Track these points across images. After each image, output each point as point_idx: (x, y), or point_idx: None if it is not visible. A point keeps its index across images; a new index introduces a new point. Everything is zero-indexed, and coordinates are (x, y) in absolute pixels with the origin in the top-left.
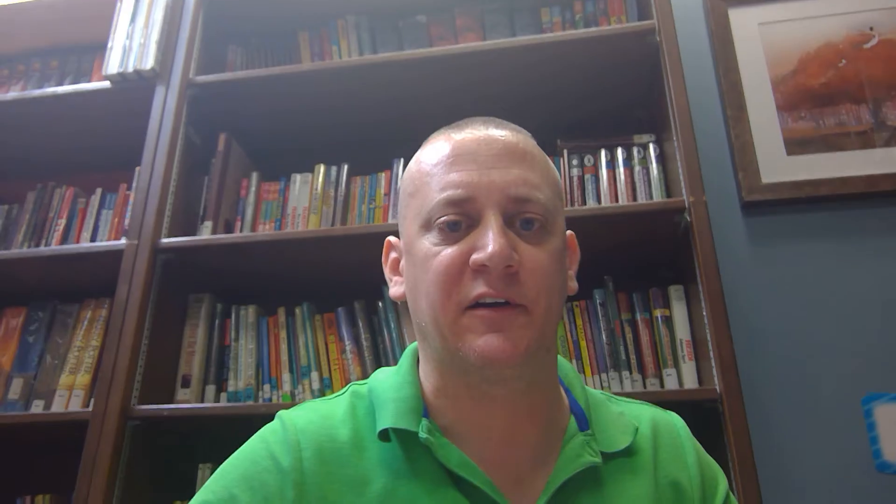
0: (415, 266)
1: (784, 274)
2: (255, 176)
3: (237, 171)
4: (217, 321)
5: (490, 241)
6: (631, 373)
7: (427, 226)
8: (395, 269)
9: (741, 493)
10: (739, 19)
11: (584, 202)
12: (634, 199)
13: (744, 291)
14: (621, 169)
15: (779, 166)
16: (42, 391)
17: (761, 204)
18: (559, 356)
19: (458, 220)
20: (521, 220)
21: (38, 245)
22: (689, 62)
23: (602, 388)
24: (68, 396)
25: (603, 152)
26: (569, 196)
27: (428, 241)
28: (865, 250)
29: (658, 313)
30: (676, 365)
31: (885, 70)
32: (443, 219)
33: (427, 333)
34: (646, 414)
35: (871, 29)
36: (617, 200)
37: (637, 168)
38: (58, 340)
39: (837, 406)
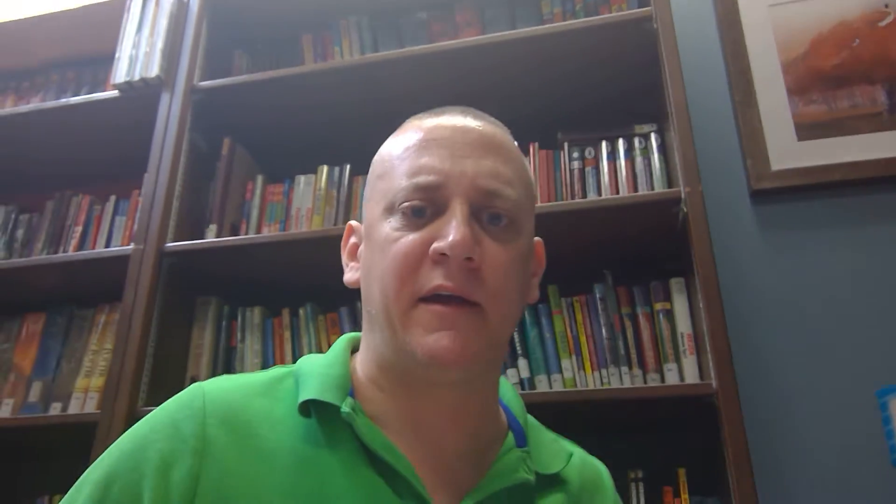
0: (373, 251)
1: (795, 264)
2: (259, 178)
3: (242, 173)
4: (224, 323)
5: (452, 230)
6: (631, 368)
7: (390, 209)
8: (353, 255)
9: (736, 490)
10: (749, 2)
11: (584, 195)
12: (636, 190)
13: (753, 283)
14: (622, 160)
15: (789, 152)
16: (60, 394)
17: (771, 192)
18: (503, 378)
19: (424, 206)
20: (488, 213)
21: (56, 252)
22: (696, 48)
23: (602, 384)
24: (84, 399)
25: (604, 144)
26: (569, 189)
27: (389, 226)
28: (880, 237)
29: (659, 307)
30: (678, 359)
31: None
32: (407, 204)
33: (375, 323)
34: (576, 451)
35: (887, 6)
36: (618, 192)
37: (638, 159)
38: (74, 344)
39: (850, 400)
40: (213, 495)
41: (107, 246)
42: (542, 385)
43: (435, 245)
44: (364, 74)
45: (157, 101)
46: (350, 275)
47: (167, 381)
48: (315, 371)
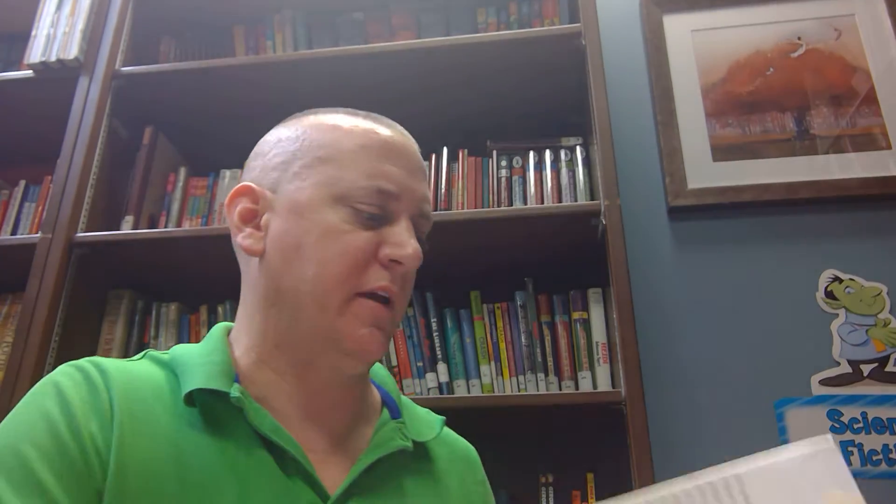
0: (306, 231)
1: (705, 278)
2: (182, 171)
3: (164, 165)
4: (137, 318)
5: (407, 244)
6: (547, 375)
7: (342, 201)
8: (248, 220)
9: None
10: (673, 26)
11: (510, 203)
12: (560, 201)
13: (666, 295)
14: (548, 171)
15: (705, 172)
16: None
17: (686, 209)
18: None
19: (380, 213)
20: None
21: None
22: (624, 67)
23: (518, 390)
24: None
25: (531, 154)
26: (496, 196)
27: (337, 216)
28: (784, 256)
29: (577, 316)
30: (591, 368)
31: (810, 79)
32: (365, 205)
33: (293, 301)
34: (446, 428)
35: (800, 38)
36: (543, 202)
37: (564, 170)
38: None
39: (750, 409)
40: (117, 463)
41: (13, 233)
42: (460, 390)
43: (391, 251)
44: (297, 70)
45: (74, 85)
46: (251, 242)
47: None
48: (195, 361)
